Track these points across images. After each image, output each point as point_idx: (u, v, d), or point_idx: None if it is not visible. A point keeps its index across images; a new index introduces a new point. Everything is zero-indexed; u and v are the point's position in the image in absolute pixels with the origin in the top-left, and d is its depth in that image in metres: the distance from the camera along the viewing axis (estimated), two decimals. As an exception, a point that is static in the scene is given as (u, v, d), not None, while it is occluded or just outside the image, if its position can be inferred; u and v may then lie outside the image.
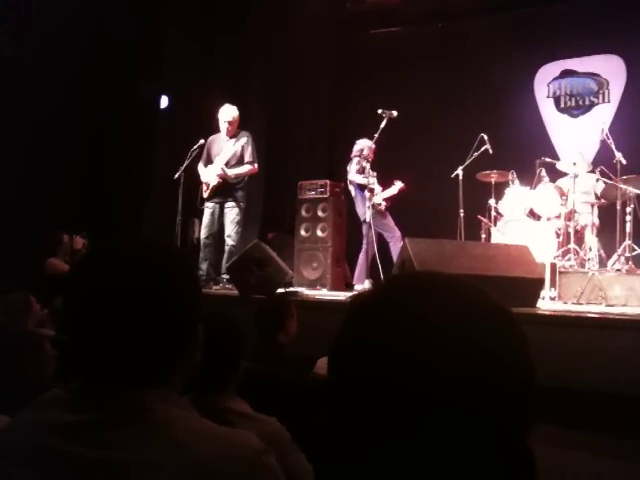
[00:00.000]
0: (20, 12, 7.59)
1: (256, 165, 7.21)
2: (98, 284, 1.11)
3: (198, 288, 1.25)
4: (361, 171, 7.24)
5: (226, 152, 7.10)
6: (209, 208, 7.22)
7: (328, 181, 7.88)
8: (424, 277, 0.78)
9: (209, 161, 7.21)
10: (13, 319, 4.07)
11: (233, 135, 7.19)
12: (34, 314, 4.31)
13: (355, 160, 7.38)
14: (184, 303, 1.16)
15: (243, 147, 7.11)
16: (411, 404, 0.67)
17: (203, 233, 7.28)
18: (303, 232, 7.88)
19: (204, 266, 7.18)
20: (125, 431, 1.06)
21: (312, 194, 7.90)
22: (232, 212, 7.16)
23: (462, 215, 7.37)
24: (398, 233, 7.33)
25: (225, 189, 7.12)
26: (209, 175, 7.14)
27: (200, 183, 7.27)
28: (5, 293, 4.25)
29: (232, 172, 7.07)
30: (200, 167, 7.22)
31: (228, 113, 7.20)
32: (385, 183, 7.60)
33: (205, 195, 7.21)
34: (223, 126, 7.20)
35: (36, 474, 1.05)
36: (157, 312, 1.11)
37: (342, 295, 6.41)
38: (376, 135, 6.84)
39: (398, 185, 7.61)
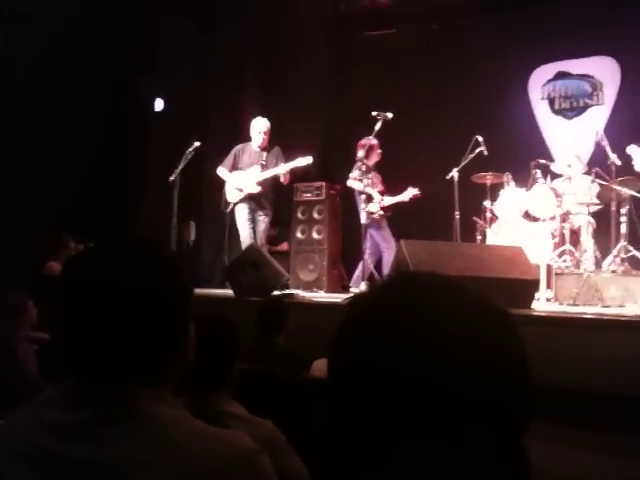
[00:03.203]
0: (14, 11, 7.57)
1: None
2: (91, 281, 1.11)
3: (190, 288, 1.24)
4: (361, 174, 7.10)
5: (262, 162, 7.11)
6: (243, 212, 7.18)
7: (324, 183, 7.86)
8: (423, 276, 0.79)
9: (235, 168, 7.22)
10: (8, 321, 4.06)
11: (265, 147, 7.22)
12: (30, 317, 4.30)
13: (357, 164, 7.27)
14: (177, 301, 1.16)
15: (277, 160, 7.15)
16: (410, 399, 0.68)
17: (248, 236, 7.12)
18: (299, 234, 7.86)
19: None
20: (120, 429, 1.06)
21: (308, 196, 7.88)
22: (264, 221, 7.22)
23: (458, 217, 7.36)
24: (393, 245, 7.01)
25: (258, 197, 7.15)
26: (244, 182, 7.10)
27: (219, 186, 7.26)
28: (1, 294, 4.24)
29: (286, 167, 7.01)
30: (223, 171, 7.23)
31: (263, 124, 7.24)
32: (388, 186, 7.54)
33: (235, 199, 7.16)
34: (258, 137, 7.20)
35: (34, 475, 1.04)
36: (150, 308, 1.11)
37: (338, 297, 6.40)
38: (371, 137, 6.85)
39: (410, 192, 7.40)
